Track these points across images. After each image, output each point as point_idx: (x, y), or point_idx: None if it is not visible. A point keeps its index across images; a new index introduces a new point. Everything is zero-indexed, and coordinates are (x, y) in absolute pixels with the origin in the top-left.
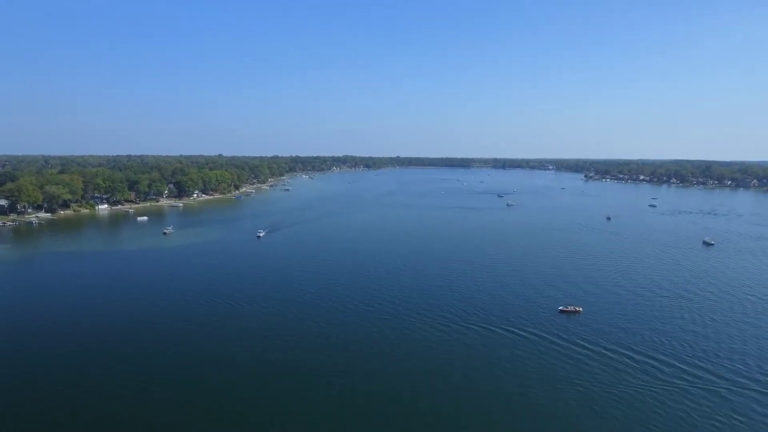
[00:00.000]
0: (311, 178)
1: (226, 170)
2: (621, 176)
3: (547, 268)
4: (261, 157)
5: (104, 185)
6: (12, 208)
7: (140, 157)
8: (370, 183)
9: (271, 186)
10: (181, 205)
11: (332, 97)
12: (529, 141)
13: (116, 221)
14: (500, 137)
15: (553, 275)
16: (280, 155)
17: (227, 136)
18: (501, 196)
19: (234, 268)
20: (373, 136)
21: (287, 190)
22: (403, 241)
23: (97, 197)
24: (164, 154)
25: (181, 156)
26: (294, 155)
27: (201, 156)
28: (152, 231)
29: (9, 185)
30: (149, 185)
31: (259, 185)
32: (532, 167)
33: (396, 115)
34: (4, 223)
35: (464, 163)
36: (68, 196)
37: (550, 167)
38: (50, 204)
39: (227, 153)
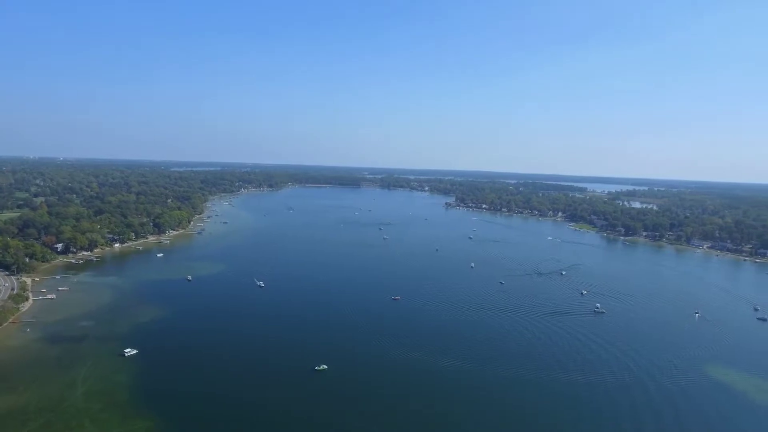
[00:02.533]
0: (231, 204)
1: (182, 210)
2: (471, 204)
3: (383, 270)
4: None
5: (117, 230)
6: (66, 249)
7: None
8: (284, 216)
9: (209, 218)
10: (168, 242)
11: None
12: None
13: (142, 256)
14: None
15: (390, 274)
16: (170, 160)
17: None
18: (380, 229)
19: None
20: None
21: (225, 222)
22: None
23: (110, 237)
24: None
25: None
26: (185, 160)
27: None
28: (180, 264)
29: (67, 234)
30: (141, 225)
31: (199, 216)
32: (412, 188)
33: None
34: (77, 260)
35: (355, 182)
36: (101, 240)
37: (426, 189)
38: (89, 245)
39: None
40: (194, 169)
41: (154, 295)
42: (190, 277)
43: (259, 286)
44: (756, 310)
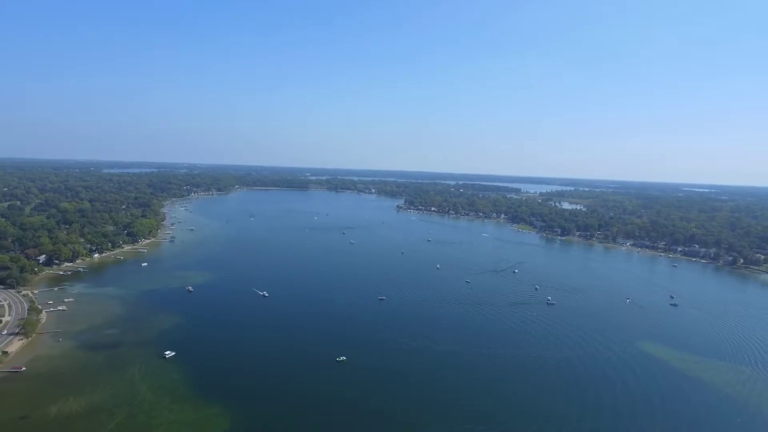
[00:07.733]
0: (188, 210)
1: (150, 218)
2: (420, 207)
3: (361, 273)
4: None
5: (96, 240)
6: (49, 262)
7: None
8: (247, 222)
9: (173, 225)
10: (144, 251)
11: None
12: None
13: (126, 266)
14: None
15: (368, 276)
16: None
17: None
18: (344, 233)
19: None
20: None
21: (192, 230)
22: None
23: (88, 247)
24: None
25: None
26: (115, 160)
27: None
28: (169, 273)
29: (49, 246)
30: (116, 234)
31: (162, 223)
32: (359, 191)
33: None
34: (64, 272)
35: (302, 185)
36: (83, 251)
37: (373, 191)
38: (72, 256)
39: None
40: (128, 170)
41: (163, 305)
42: (190, 288)
43: (263, 295)
44: (671, 297)
